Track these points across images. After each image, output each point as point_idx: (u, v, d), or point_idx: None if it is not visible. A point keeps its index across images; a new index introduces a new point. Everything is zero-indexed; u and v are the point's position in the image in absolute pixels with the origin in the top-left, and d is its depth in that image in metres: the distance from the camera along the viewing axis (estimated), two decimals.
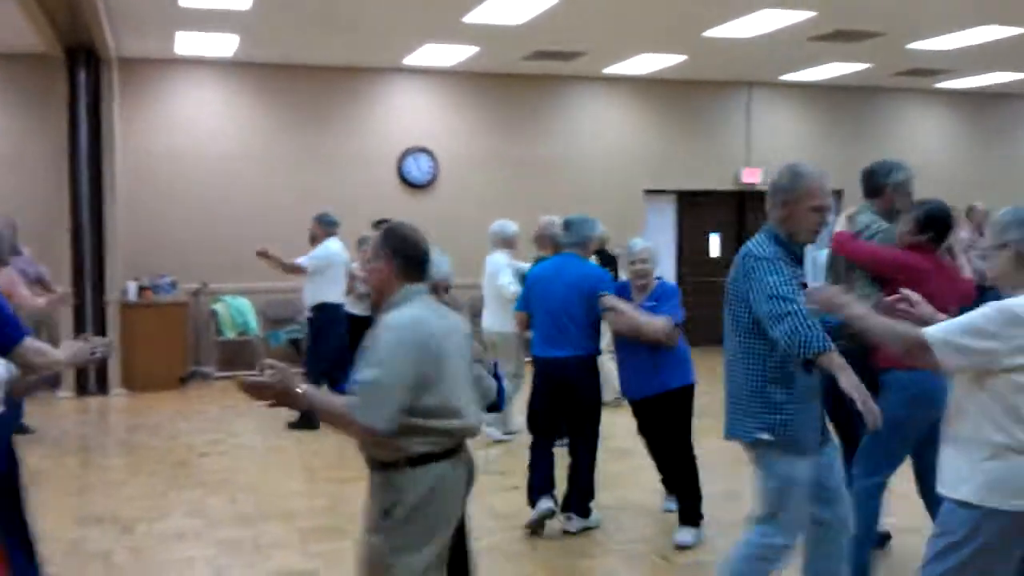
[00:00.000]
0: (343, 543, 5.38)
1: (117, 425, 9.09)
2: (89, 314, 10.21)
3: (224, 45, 10.80)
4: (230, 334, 11.36)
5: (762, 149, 13.87)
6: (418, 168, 12.48)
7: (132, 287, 10.69)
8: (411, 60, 11.73)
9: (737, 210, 14.08)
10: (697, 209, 13.93)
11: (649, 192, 13.46)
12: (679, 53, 11.67)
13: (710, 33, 10.40)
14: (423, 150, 12.47)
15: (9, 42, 10.36)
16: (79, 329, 10.07)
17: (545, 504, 5.54)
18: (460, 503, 3.19)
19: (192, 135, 11.65)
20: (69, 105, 10.21)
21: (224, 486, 6.72)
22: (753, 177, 13.76)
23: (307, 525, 5.79)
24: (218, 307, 11.40)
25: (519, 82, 12.73)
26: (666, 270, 13.52)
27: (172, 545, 5.46)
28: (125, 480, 6.91)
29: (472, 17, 9.64)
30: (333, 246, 8.81)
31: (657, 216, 13.63)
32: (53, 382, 9.77)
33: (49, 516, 5.49)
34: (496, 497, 6.25)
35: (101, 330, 10.21)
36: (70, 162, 10.19)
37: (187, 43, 10.64)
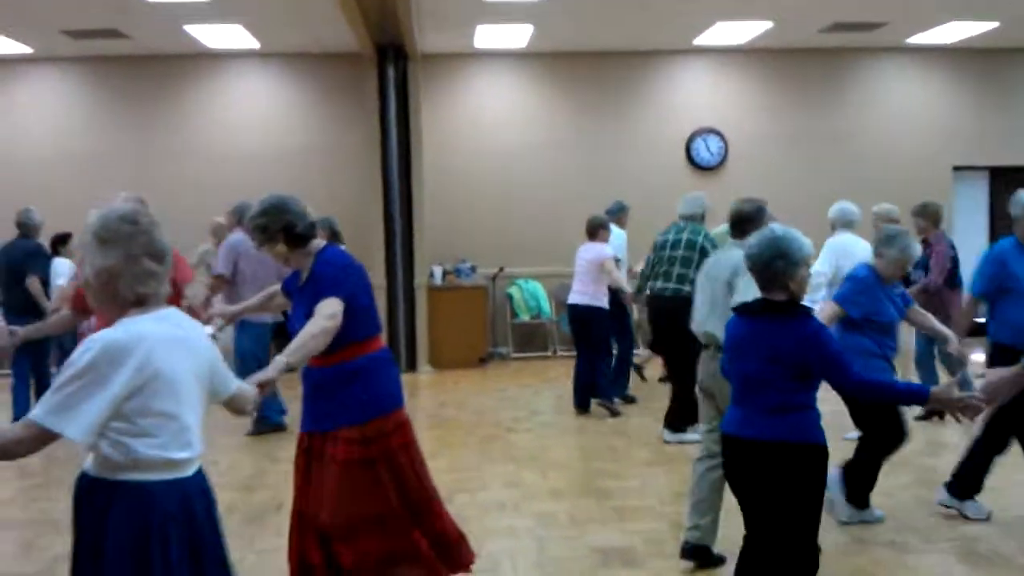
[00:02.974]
0: (659, 524, 5.43)
1: (428, 401, 9.62)
2: (400, 297, 10.89)
3: (519, 36, 11.13)
4: (524, 317, 11.74)
5: None
6: (707, 149, 12.32)
7: (438, 271, 11.30)
8: (702, 40, 11.58)
9: None
10: (1015, 186, 12.78)
11: (958, 169, 12.55)
12: (990, 20, 10.79)
13: None
14: (712, 131, 12.30)
15: (327, 43, 11.21)
16: (391, 312, 10.76)
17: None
18: None
19: (487, 125, 12.12)
20: (380, 100, 10.89)
21: (534, 461, 6.94)
22: None
23: (620, 504, 5.86)
24: (513, 291, 11.81)
25: (814, 56, 12.25)
26: (978, 252, 12.59)
27: (493, 515, 5.70)
28: (439, 452, 7.27)
29: None
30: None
31: (968, 195, 12.69)
32: None
33: None
34: None
35: (411, 311, 10.87)
36: (381, 155, 10.87)
37: (485, 36, 11.06)
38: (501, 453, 7.24)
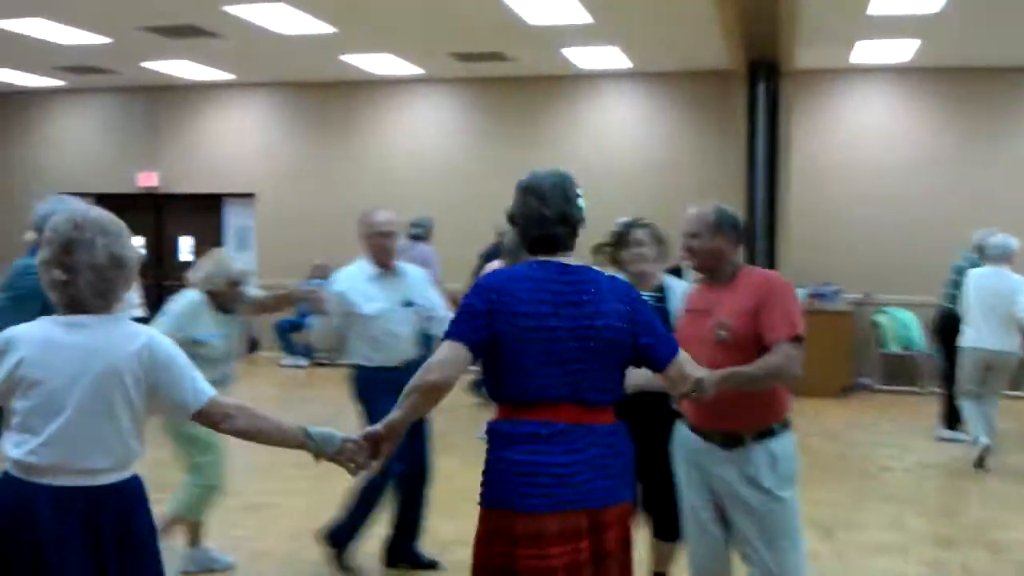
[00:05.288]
0: None
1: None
2: None
3: (902, 51, 10.55)
4: (893, 347, 11.07)
5: None
6: None
7: (801, 293, 10.95)
8: None
9: None
10: None
11: None
12: None
13: None
14: None
15: (697, 61, 11.24)
16: None
17: None
18: None
19: (860, 142, 11.58)
20: (748, 117, 10.75)
21: (916, 504, 6.51)
22: None
23: (1021, 558, 5.35)
24: (881, 319, 11.17)
25: None
26: None
27: (875, 557, 5.40)
28: (810, 481, 6.87)
29: None
30: None
31: None
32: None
33: None
34: None
35: None
36: (747, 171, 10.72)
37: (864, 51, 10.59)
38: (877, 492, 6.86)
